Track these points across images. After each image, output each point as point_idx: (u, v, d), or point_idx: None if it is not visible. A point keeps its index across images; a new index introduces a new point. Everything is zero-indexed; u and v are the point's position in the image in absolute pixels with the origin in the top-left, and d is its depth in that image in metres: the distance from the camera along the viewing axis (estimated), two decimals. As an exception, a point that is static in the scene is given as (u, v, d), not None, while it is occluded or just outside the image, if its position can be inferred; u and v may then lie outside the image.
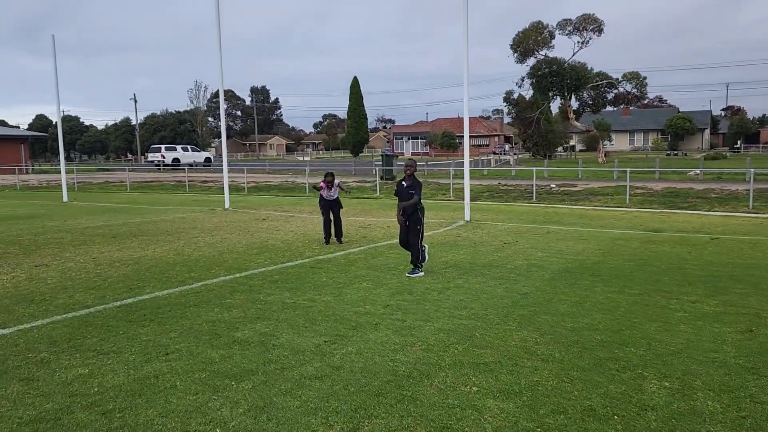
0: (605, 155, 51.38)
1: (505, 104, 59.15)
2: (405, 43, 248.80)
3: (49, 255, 9.98)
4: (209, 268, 8.65)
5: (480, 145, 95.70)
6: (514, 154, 62.17)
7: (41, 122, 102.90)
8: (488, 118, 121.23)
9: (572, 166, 42.21)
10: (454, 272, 8.25)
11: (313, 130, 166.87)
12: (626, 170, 22.26)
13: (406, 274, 7.99)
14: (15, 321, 6.00)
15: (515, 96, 59.10)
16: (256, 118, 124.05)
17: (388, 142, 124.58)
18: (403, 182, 8.13)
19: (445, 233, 12.35)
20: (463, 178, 29.42)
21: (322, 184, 11.02)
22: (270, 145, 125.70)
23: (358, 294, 6.99)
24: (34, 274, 8.38)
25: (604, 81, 53.13)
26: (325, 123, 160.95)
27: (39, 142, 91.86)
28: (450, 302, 6.56)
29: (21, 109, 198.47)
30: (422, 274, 8.02)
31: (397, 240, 8.95)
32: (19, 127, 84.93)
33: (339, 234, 11.00)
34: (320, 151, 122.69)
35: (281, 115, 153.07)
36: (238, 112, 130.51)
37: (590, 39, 49.76)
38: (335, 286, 7.40)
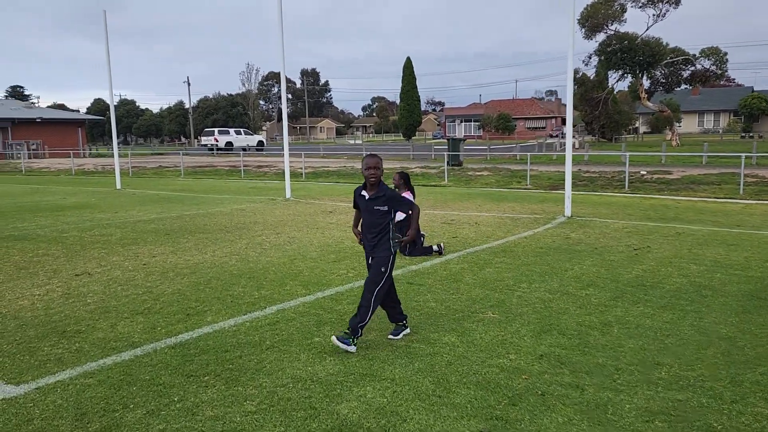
0: (671, 138, 47.91)
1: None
2: (454, 23, 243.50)
3: (93, 258, 8.52)
4: (282, 283, 6.97)
5: (536, 128, 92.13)
6: (579, 136, 58.91)
7: (99, 106, 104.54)
8: (541, 99, 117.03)
9: (643, 149, 39.16)
10: (600, 295, 6.30)
11: (361, 113, 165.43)
12: (718, 154, 19.59)
13: (389, 336, 5.08)
14: (35, 370, 4.42)
15: (580, 75, 55.83)
16: (307, 101, 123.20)
17: (438, 125, 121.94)
18: (364, 192, 4.90)
19: (548, 233, 10.37)
20: (535, 163, 27.05)
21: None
22: (320, 128, 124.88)
23: (490, 332, 5.15)
24: (72, 287, 6.88)
25: (680, 57, 49.32)
26: (375, 106, 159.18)
27: (97, 125, 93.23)
28: (628, 352, 4.65)
29: (81, 94, 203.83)
30: (406, 330, 5.15)
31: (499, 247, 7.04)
32: (78, 111, 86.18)
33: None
34: (370, 135, 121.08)
35: (331, 98, 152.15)
36: (289, 95, 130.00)
37: (666, 11, 46.08)
38: (452, 318, 5.58)
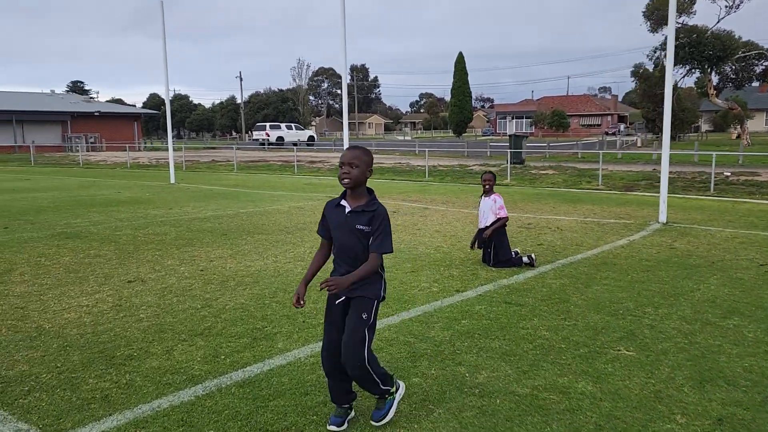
0: (742, 136, 45.06)
1: (632, 79, 53.36)
2: (503, 19, 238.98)
3: (147, 262, 7.79)
4: (358, 298, 6.03)
5: (591, 125, 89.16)
6: (640, 134, 56.39)
7: (154, 101, 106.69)
8: (594, 96, 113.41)
9: (711, 148, 36.83)
10: (752, 327, 5.11)
11: (409, 110, 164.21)
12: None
13: (373, 422, 3.45)
14: (76, 413, 3.59)
15: (642, 70, 53.35)
16: (356, 97, 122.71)
17: (488, 122, 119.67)
18: (344, 203, 3.32)
19: (647, 242, 9.14)
20: (599, 162, 25.49)
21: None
22: (369, 124, 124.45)
23: (634, 378, 4.07)
24: (124, 297, 6.11)
25: (753, 51, 46.39)
26: (423, 102, 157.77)
27: (152, 120, 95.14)
28: (834, 416, 3.51)
29: (137, 89, 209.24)
30: (391, 414, 3.49)
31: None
32: (135, 106, 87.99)
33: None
34: (418, 131, 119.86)
35: (380, 94, 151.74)
36: (338, 91, 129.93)
37: (741, 2, 43.26)
38: (577, 354, 4.51)
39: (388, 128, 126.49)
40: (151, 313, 5.57)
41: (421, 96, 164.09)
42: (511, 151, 24.36)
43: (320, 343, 4.60)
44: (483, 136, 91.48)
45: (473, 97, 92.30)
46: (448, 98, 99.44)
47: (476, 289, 6.41)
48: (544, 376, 4.09)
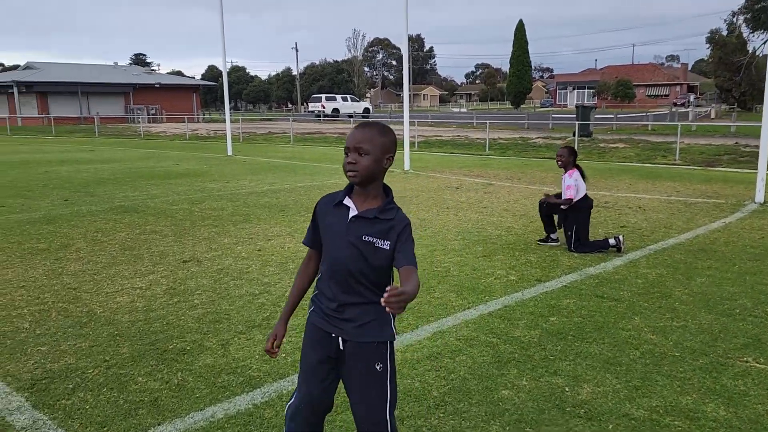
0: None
1: (708, 45, 50.19)
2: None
3: (203, 239, 7.43)
4: (428, 286, 5.46)
5: (658, 96, 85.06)
6: (713, 105, 53.24)
7: (212, 72, 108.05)
8: (662, 65, 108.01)
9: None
10: None
11: (464, 81, 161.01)
12: None
13: None
14: (121, 420, 3.18)
15: (717, 36, 50.13)
16: (411, 67, 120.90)
17: (547, 92, 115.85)
18: (347, 202, 2.27)
19: (746, 226, 8.20)
20: (673, 135, 23.89)
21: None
22: (423, 95, 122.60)
23: (772, 399, 3.37)
24: (178, 279, 5.73)
25: None
26: (479, 73, 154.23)
27: (210, 91, 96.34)
28: None
29: (196, 61, 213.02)
30: None
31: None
32: (193, 78, 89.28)
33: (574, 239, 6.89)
34: (474, 102, 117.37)
35: (435, 65, 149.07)
36: (393, 62, 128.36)
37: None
38: (696, 366, 3.81)
39: (443, 100, 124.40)
40: (206, 298, 5.16)
41: (477, 66, 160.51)
42: (579, 123, 23.09)
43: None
44: (541, 107, 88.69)
45: (532, 67, 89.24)
46: (505, 68, 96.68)
47: (560, 278, 5.74)
48: (662, 393, 3.43)
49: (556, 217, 7.11)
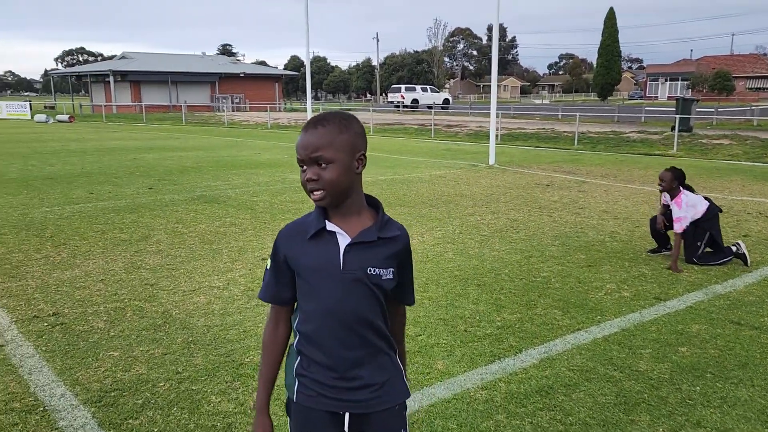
0: None
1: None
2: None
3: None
4: (527, 300, 4.86)
5: (760, 88, 79.14)
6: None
7: (294, 63, 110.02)
8: (764, 56, 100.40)
9: None
10: None
11: (547, 71, 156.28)
12: None
13: None
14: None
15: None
16: (493, 57, 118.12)
17: (636, 84, 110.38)
18: (332, 227, 1.63)
19: None
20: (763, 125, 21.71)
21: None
22: (504, 86, 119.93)
23: None
24: (257, 279, 5.40)
25: None
26: (563, 63, 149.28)
27: (292, 81, 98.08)
28: None
29: (280, 51, 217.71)
30: None
31: None
32: (276, 68, 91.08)
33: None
34: (557, 94, 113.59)
35: (517, 55, 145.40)
36: (474, 52, 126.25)
37: None
38: None
39: (524, 91, 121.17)
40: (285, 302, 4.78)
41: (561, 57, 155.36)
42: (678, 117, 21.46)
43: (486, 370, 3.54)
44: (630, 99, 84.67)
45: (621, 57, 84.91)
46: (591, 59, 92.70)
47: (682, 297, 4.98)
48: None
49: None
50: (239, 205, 9.04)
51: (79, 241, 6.64)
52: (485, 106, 50.42)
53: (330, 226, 1.62)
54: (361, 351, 1.65)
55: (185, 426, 3.01)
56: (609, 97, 77.52)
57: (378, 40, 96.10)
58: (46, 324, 4.27)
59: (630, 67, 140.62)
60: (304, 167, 1.60)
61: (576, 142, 21.18)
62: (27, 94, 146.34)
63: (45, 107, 52.34)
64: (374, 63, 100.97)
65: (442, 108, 51.66)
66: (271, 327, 1.75)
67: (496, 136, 23.24)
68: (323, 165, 1.58)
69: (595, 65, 79.75)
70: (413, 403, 3.22)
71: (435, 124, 28.03)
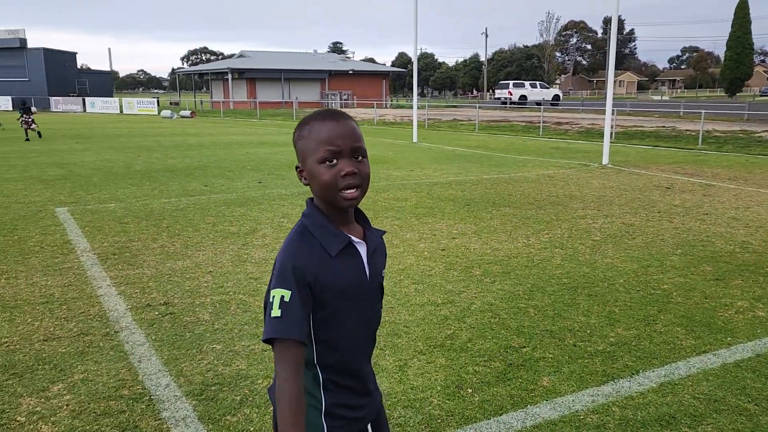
0: None
1: None
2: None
3: (385, 236, 7.04)
4: (644, 314, 4.46)
5: None
6: None
7: (402, 59, 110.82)
8: None
9: None
10: None
11: (667, 66, 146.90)
12: None
13: None
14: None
15: None
16: (608, 52, 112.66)
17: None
18: (355, 238, 1.49)
19: None
20: None
21: None
22: (620, 82, 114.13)
23: None
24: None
25: None
26: (685, 57, 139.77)
27: (399, 77, 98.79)
28: None
29: (388, 49, 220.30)
30: None
31: None
32: (384, 65, 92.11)
33: None
34: (678, 90, 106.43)
35: (634, 49, 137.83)
36: (588, 46, 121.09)
37: None
38: None
39: (641, 87, 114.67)
40: (384, 303, 4.70)
41: (684, 50, 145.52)
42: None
43: (600, 391, 3.24)
44: (762, 95, 77.74)
45: (754, 50, 77.80)
46: (718, 52, 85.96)
47: (833, 322, 4.37)
48: None
49: None
50: (343, 201, 9.10)
51: (192, 233, 6.94)
52: (598, 103, 48.08)
53: (355, 238, 1.49)
54: (370, 358, 1.62)
55: (280, 427, 2.98)
56: (738, 93, 71.59)
57: (486, 36, 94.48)
58: (157, 313, 4.45)
59: (763, 61, 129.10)
60: (335, 161, 1.42)
61: (700, 141, 19.64)
62: (156, 91, 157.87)
63: (170, 104, 56.08)
64: (482, 59, 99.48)
65: (552, 104, 49.94)
66: (295, 376, 1.37)
67: (611, 134, 22.09)
68: (360, 158, 1.45)
69: (723, 58, 73.91)
70: (516, 423, 3.01)
71: (543, 122, 27.07)
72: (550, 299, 4.82)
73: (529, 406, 3.19)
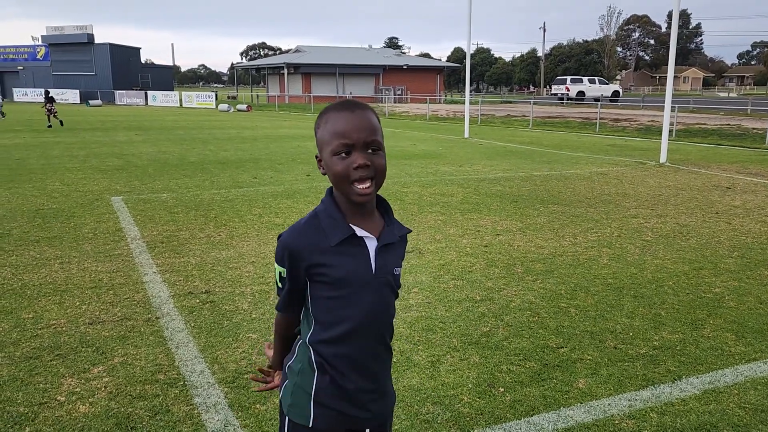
0: None
1: None
2: None
3: (428, 227, 7.00)
4: (694, 320, 4.27)
5: None
6: None
7: (457, 54, 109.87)
8: None
9: None
10: None
11: (736, 62, 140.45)
12: None
13: None
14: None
15: None
16: (670, 45, 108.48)
17: None
18: (361, 231, 1.48)
19: None
20: None
21: None
22: (684, 78, 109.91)
23: None
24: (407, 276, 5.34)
25: None
26: (756, 52, 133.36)
27: (454, 73, 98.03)
28: None
29: (444, 44, 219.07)
30: None
31: None
32: (440, 60, 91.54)
33: None
34: (747, 86, 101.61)
35: (701, 44, 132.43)
36: (650, 41, 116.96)
37: None
38: None
39: (707, 83, 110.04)
40: (422, 299, 4.66)
41: (755, 45, 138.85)
42: None
43: (640, 396, 3.12)
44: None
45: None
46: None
47: None
48: None
49: None
50: (388, 195, 9.09)
51: (238, 223, 7.07)
52: (660, 99, 46.38)
53: (360, 231, 1.47)
54: (382, 359, 1.58)
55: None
56: (813, 90, 67.73)
57: (545, 30, 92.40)
58: (198, 300, 4.55)
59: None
60: (352, 152, 1.42)
61: (767, 140, 18.70)
62: (215, 85, 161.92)
63: (228, 98, 57.43)
64: (539, 54, 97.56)
65: (611, 101, 48.52)
66: (284, 321, 1.64)
67: (671, 131, 21.29)
68: (375, 150, 1.45)
69: (797, 53, 70.04)
70: (547, 424, 2.92)
71: (601, 118, 26.35)
72: (593, 299, 4.68)
73: (562, 408, 3.10)
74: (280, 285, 1.54)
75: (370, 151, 1.44)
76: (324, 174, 1.50)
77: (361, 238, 1.48)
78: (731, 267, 5.58)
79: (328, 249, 1.45)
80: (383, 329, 1.56)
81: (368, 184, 1.43)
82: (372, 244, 1.49)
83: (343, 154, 1.43)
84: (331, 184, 1.50)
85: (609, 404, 3.13)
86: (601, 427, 2.92)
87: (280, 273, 1.51)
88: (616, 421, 2.97)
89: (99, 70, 56.98)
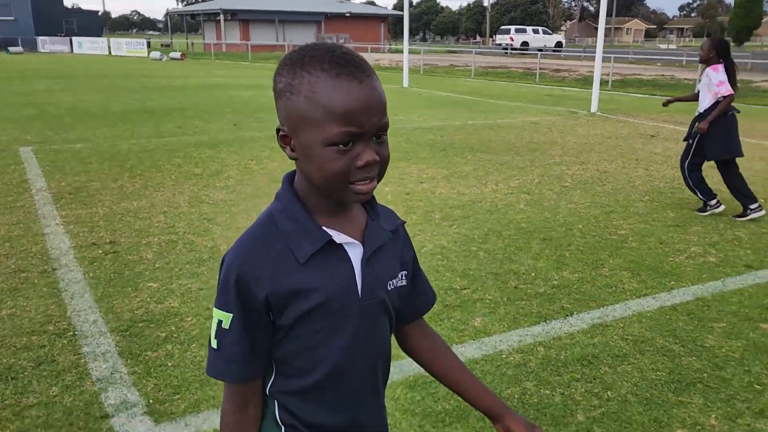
0: None
1: None
2: None
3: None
4: (594, 260, 4.41)
5: None
6: None
7: (403, 3, 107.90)
8: None
9: None
10: None
11: (677, 14, 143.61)
12: None
13: None
14: None
15: None
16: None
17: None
18: (340, 237, 1.04)
19: None
20: None
21: None
22: (626, 29, 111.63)
23: None
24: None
25: None
26: (696, 4, 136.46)
27: (399, 21, 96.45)
28: None
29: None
30: None
31: None
32: (386, 8, 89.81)
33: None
34: (686, 39, 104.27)
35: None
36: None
37: None
38: None
39: (649, 35, 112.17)
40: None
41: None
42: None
43: (534, 331, 3.22)
44: (771, 45, 75.97)
45: (765, -3, 75.66)
46: (728, 0, 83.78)
47: (784, 268, 4.33)
48: None
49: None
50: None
51: (154, 173, 6.84)
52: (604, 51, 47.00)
53: (339, 237, 1.05)
54: (369, 396, 1.15)
55: (199, 364, 2.96)
56: (746, 43, 70.08)
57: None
58: (100, 251, 4.40)
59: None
60: (350, 144, 0.98)
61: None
62: (150, 32, 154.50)
63: (162, 45, 54.97)
64: (485, 3, 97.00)
65: (554, 51, 48.92)
66: (239, 411, 1.09)
67: (607, 81, 21.67)
68: (381, 137, 1.03)
69: (732, 7, 72.02)
70: (436, 362, 2.98)
71: (541, 68, 26.55)
72: (504, 243, 4.77)
73: (455, 344, 3.17)
74: (216, 343, 1.05)
75: (377, 138, 1.02)
76: (294, 159, 1.04)
77: (341, 245, 1.06)
78: (640, 210, 5.78)
79: (297, 268, 1.03)
80: (375, 367, 1.14)
81: (371, 186, 1.02)
82: (356, 253, 1.07)
83: (342, 145, 0.98)
84: (292, 168, 1.08)
85: (500, 340, 3.22)
86: (489, 362, 3.00)
87: (220, 322, 1.04)
88: (504, 356, 3.06)
89: (18, 15, 53.35)
